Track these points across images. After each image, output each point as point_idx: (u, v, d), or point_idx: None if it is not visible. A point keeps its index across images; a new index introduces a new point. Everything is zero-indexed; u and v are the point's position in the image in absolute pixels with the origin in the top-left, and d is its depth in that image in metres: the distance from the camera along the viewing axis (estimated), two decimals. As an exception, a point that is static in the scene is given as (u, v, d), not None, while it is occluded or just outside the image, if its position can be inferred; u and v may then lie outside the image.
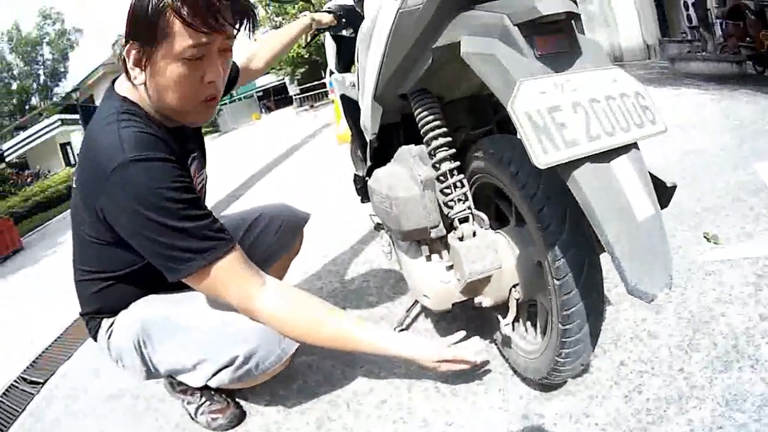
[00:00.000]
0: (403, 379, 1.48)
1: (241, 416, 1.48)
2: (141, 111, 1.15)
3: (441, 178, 1.29)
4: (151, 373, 1.34)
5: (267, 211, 1.78)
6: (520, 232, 1.26)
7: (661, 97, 5.43)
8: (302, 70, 22.23)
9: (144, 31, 1.03)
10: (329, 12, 1.96)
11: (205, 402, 1.47)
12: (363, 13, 1.68)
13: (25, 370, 2.33)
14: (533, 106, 0.82)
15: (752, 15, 7.51)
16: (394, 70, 1.26)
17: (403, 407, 1.37)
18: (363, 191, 1.94)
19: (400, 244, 1.54)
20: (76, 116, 20.96)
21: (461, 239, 1.27)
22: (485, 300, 1.29)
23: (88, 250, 1.23)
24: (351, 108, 1.86)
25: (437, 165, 1.29)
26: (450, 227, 1.32)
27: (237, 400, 1.53)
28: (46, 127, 24.16)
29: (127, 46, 1.08)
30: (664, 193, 1.03)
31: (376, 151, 1.60)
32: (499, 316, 1.37)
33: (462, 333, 1.29)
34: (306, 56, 19.76)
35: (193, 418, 1.49)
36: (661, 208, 0.98)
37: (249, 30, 1.12)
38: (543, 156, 0.80)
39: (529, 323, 1.38)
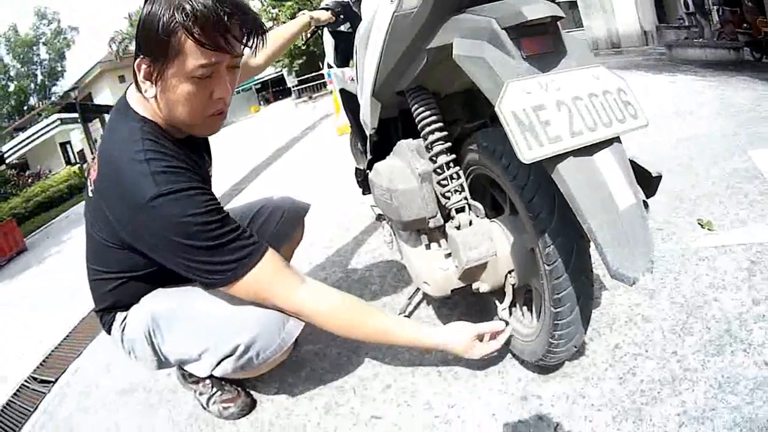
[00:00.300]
0: (407, 364, 1.53)
1: (251, 404, 1.52)
2: (157, 129, 1.18)
3: (438, 170, 1.34)
4: (161, 363, 1.37)
5: (269, 203, 1.82)
6: (514, 221, 1.30)
7: (658, 83, 5.41)
8: (300, 61, 22.23)
9: (155, 48, 1.05)
10: (327, 9, 1.99)
11: (216, 392, 1.51)
12: (360, 12, 1.72)
13: (35, 370, 2.34)
14: (519, 106, 0.87)
15: (749, 1, 7.48)
16: (391, 69, 1.31)
17: (407, 391, 1.42)
18: (364, 184, 2.00)
19: (401, 234, 1.59)
20: (75, 115, 20.83)
21: (458, 228, 1.32)
22: (482, 286, 1.34)
23: (103, 252, 1.26)
24: (350, 102, 1.90)
25: (434, 158, 1.34)
26: (447, 217, 1.37)
27: (247, 389, 1.57)
28: (45, 127, 24.10)
29: (138, 59, 1.10)
30: (650, 182, 1.08)
31: (375, 145, 1.65)
32: (497, 301, 1.43)
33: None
34: (303, 47, 19.69)
35: (205, 408, 1.53)
36: (648, 197, 1.03)
37: (258, 47, 1.15)
38: (528, 152, 0.85)
39: (525, 308, 1.42)
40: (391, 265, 2.25)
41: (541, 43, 0.94)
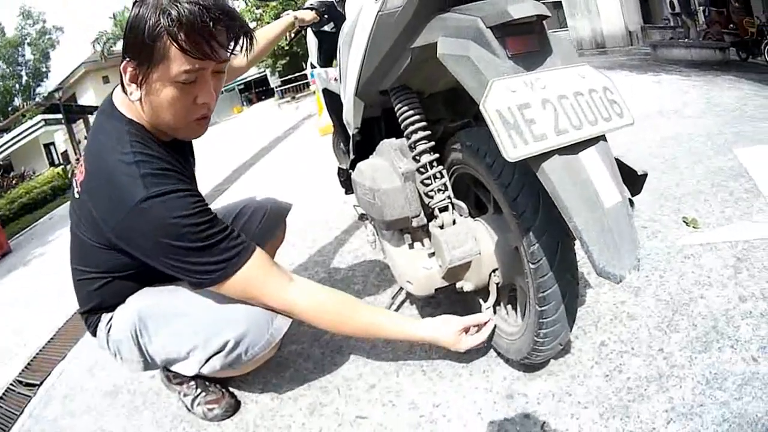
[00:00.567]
0: (391, 364, 1.52)
1: (236, 405, 1.51)
2: (144, 131, 1.19)
3: (421, 169, 1.33)
4: (147, 364, 1.35)
5: (251, 203, 1.83)
6: (498, 220, 1.30)
7: (642, 83, 5.45)
8: (283, 62, 22.21)
9: (140, 52, 1.06)
10: (311, 9, 1.98)
11: (200, 393, 1.49)
12: (344, 11, 1.71)
13: (20, 373, 2.32)
14: (504, 104, 0.87)
15: (736, 2, 7.59)
16: (374, 69, 1.30)
17: (391, 390, 1.41)
18: (347, 183, 2.00)
19: (384, 234, 1.59)
20: (59, 116, 20.70)
21: (442, 227, 1.32)
22: (466, 285, 1.33)
23: (88, 252, 1.25)
24: (333, 102, 1.90)
25: (417, 157, 1.33)
26: (431, 216, 1.37)
27: (231, 390, 1.56)
28: (29, 128, 23.80)
29: (124, 62, 1.10)
30: (635, 181, 1.08)
31: (358, 145, 1.65)
32: (481, 300, 1.42)
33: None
34: (287, 48, 19.64)
35: (189, 410, 1.51)
36: (634, 195, 1.03)
37: (245, 51, 1.15)
38: (513, 150, 0.85)
39: (509, 306, 1.42)
40: (373, 265, 2.25)
41: (527, 42, 0.94)
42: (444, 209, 1.33)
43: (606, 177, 0.90)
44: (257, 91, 33.91)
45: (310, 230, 2.93)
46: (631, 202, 1.00)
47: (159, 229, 1.08)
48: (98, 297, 1.33)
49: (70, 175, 13.42)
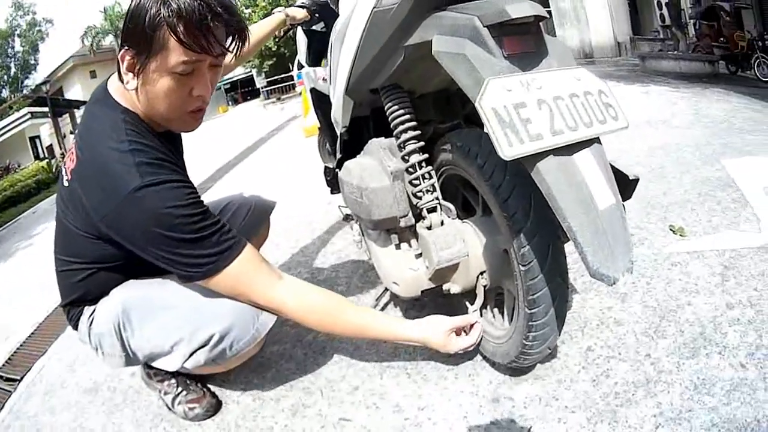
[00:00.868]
0: (375, 365, 1.51)
1: (217, 405, 1.48)
2: (138, 120, 1.19)
3: (410, 169, 1.32)
4: (129, 359, 1.33)
5: (235, 200, 1.82)
6: (486, 222, 1.29)
7: (631, 94, 5.48)
8: (270, 62, 22.25)
9: (139, 41, 1.06)
10: (303, 7, 1.96)
11: (181, 392, 1.47)
12: (337, 10, 1.70)
13: (1, 368, 2.28)
14: (500, 103, 0.86)
15: (727, 16, 7.70)
16: (366, 66, 1.29)
17: (375, 393, 1.40)
18: (333, 183, 1.98)
19: (370, 234, 1.58)
20: (46, 109, 20.55)
21: (429, 228, 1.31)
22: (453, 287, 1.32)
23: (74, 241, 1.23)
24: (321, 102, 1.89)
25: (406, 157, 1.32)
26: (419, 217, 1.35)
27: (212, 389, 1.54)
28: (15, 120, 23.66)
29: (123, 51, 1.10)
30: (627, 186, 1.08)
31: (346, 144, 1.63)
32: (467, 303, 1.42)
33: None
34: (274, 49, 19.86)
35: (170, 409, 1.49)
36: (624, 200, 1.03)
37: (239, 48, 1.16)
38: (508, 149, 0.83)
39: (496, 309, 1.41)
40: (357, 266, 2.24)
41: (523, 43, 0.93)
42: (432, 210, 1.32)
43: (600, 179, 0.89)
44: (243, 91, 34.07)
45: (294, 230, 2.92)
46: (623, 207, 0.99)
47: (151, 218, 1.07)
48: (81, 289, 1.30)
49: (55, 169, 13.30)
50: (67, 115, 22.74)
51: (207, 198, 1.24)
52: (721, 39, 7.57)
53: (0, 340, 2.64)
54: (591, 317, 1.50)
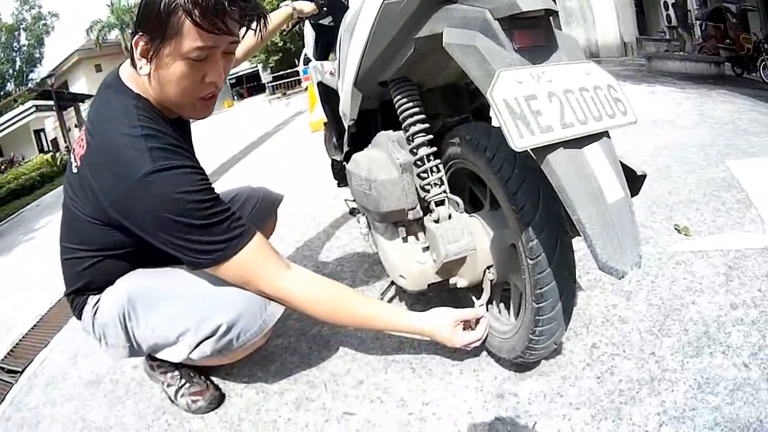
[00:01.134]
0: (380, 360, 1.50)
1: (220, 398, 1.48)
2: (151, 106, 1.19)
3: (418, 162, 1.32)
4: (133, 350, 1.32)
5: (243, 191, 1.82)
6: (494, 216, 1.29)
7: (637, 93, 5.47)
8: (276, 58, 22.16)
9: (154, 26, 1.06)
10: (311, 0, 1.96)
11: (184, 384, 1.47)
12: (347, 2, 1.70)
13: (3, 359, 2.27)
14: (511, 94, 0.86)
15: (733, 18, 7.69)
16: (375, 58, 1.29)
17: (380, 387, 1.39)
18: (340, 175, 2.00)
19: (377, 227, 1.58)
20: (51, 102, 20.57)
21: (437, 221, 1.31)
22: (460, 281, 1.33)
23: (81, 228, 1.23)
24: (328, 95, 1.89)
25: (415, 150, 1.32)
26: (426, 210, 1.36)
27: (216, 382, 1.53)
28: (20, 113, 23.66)
29: (137, 36, 1.10)
30: (634, 181, 1.08)
31: (353, 137, 1.63)
32: (474, 297, 1.43)
33: None
34: (280, 44, 19.89)
35: (173, 401, 1.48)
36: (632, 195, 1.03)
37: (259, 31, 1.17)
38: (519, 140, 0.84)
39: (502, 304, 1.41)
40: (362, 260, 2.24)
41: (533, 37, 0.93)
42: (440, 203, 1.32)
43: (609, 173, 0.89)
44: (249, 86, 34.13)
45: (299, 224, 2.92)
46: None
47: (163, 203, 1.07)
48: (87, 277, 1.30)
49: (59, 162, 13.30)
50: (72, 108, 22.78)
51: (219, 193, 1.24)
52: (727, 41, 7.56)
53: (2, 332, 2.64)
54: (596, 314, 1.49)
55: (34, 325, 2.57)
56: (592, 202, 0.85)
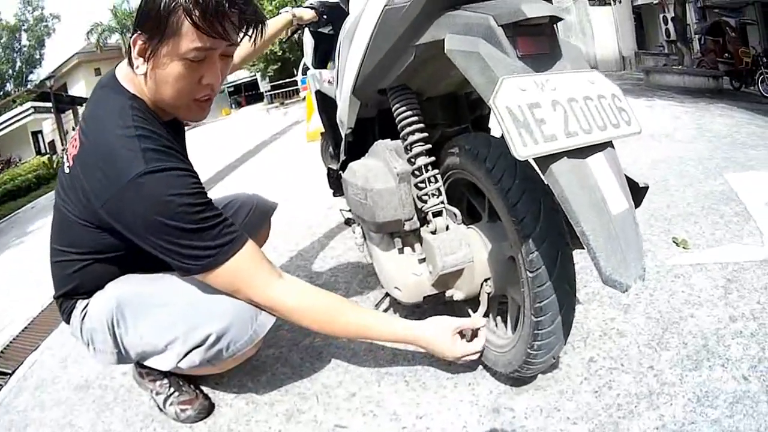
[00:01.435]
0: (372, 372, 1.48)
1: (209, 408, 1.45)
2: (146, 107, 1.18)
3: (416, 172, 1.30)
4: (121, 357, 1.30)
5: (237, 198, 1.80)
6: (492, 228, 1.28)
7: (636, 107, 5.44)
8: (275, 67, 22.20)
9: (153, 26, 1.06)
10: (311, 8, 1.95)
11: (173, 392, 1.44)
12: (347, 8, 1.68)
13: (-7, 361, 2.26)
14: (514, 102, 0.84)
15: (732, 32, 7.77)
16: (375, 65, 1.27)
17: (372, 400, 1.37)
18: (336, 185, 1.95)
19: (373, 237, 1.55)
20: (49, 104, 20.63)
21: (434, 233, 1.29)
22: (457, 293, 1.31)
23: (71, 231, 1.21)
24: (326, 104, 1.88)
25: (413, 159, 1.30)
26: (423, 221, 1.33)
27: (205, 391, 1.51)
28: (18, 114, 23.73)
29: (135, 35, 1.10)
30: (636, 193, 1.06)
31: (350, 146, 1.61)
32: (470, 310, 1.41)
33: None
34: (279, 53, 20.02)
35: (161, 410, 1.46)
36: (635, 207, 1.01)
37: (255, 38, 1.16)
38: (523, 149, 0.82)
39: (499, 318, 1.39)
40: (357, 271, 2.22)
41: (537, 44, 0.92)
42: (437, 214, 1.30)
43: (614, 183, 0.87)
44: (247, 94, 34.23)
45: (293, 233, 2.90)
46: None
47: (153, 205, 1.05)
48: (76, 280, 1.28)
49: (56, 165, 13.26)
50: (70, 111, 22.75)
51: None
52: (726, 54, 7.63)
53: (-8, 335, 2.61)
54: (594, 328, 1.48)
55: (26, 327, 2.56)
56: (595, 213, 0.84)
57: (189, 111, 1.21)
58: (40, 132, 25.80)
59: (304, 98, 8.45)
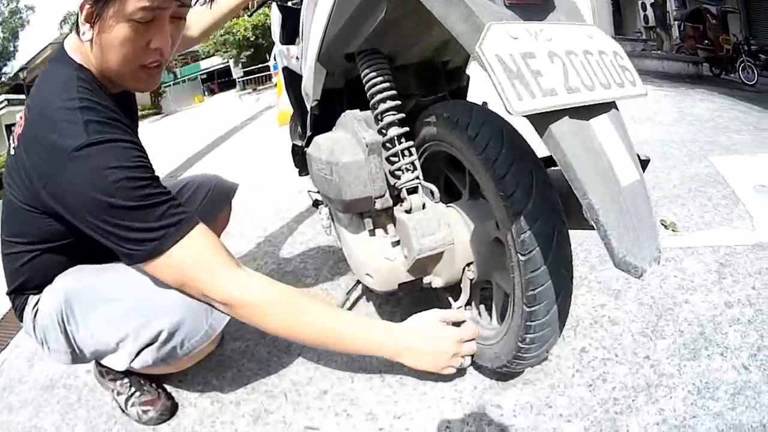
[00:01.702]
0: (345, 367, 1.40)
1: (172, 408, 1.37)
2: (92, 78, 1.11)
3: (388, 144, 1.18)
4: (76, 356, 1.21)
5: (194, 180, 1.71)
6: (474, 206, 1.17)
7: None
8: (247, 53, 22.34)
9: None
10: None
11: (134, 392, 1.36)
12: None
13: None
14: (505, 50, 0.71)
15: (713, 19, 7.87)
16: (342, 25, 1.14)
17: (346, 398, 1.29)
18: (301, 162, 1.84)
19: (341, 218, 1.45)
20: (23, 96, 20.43)
21: (409, 212, 1.18)
22: (435, 280, 1.20)
23: (18, 217, 1.13)
24: (294, 81, 1.77)
25: (384, 130, 1.18)
26: (396, 199, 1.22)
27: (168, 390, 1.43)
28: (-9, 107, 23.39)
29: (83, 1, 1.02)
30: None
31: (317, 120, 1.48)
32: (451, 299, 1.31)
33: None
34: (252, 39, 20.25)
35: (123, 411, 1.39)
36: None
37: (207, 2, 1.12)
38: (518, 103, 0.69)
39: (482, 306, 1.29)
40: (327, 257, 2.15)
41: None
42: (412, 191, 1.18)
43: (621, 150, 0.76)
44: (219, 81, 34.53)
45: (261, 218, 2.82)
46: None
47: (92, 180, 0.96)
48: (25, 273, 1.19)
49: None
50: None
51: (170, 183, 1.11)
52: (706, 41, 7.74)
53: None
54: (583, 315, 1.41)
55: (-6, 325, 2.49)
56: (603, 183, 0.72)
57: (136, 79, 1.12)
58: (14, 125, 25.48)
59: (276, 84, 8.41)
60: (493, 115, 0.99)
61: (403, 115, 1.18)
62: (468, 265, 1.17)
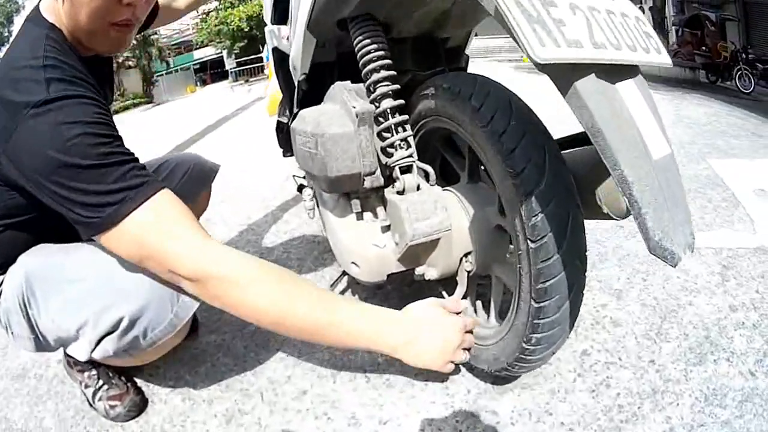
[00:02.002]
0: (327, 365, 1.33)
1: (141, 404, 1.29)
2: (63, 39, 1.05)
3: (380, 118, 1.08)
4: (39, 344, 1.12)
5: (172, 159, 1.63)
6: (474, 190, 1.08)
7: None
8: (241, 44, 22.51)
9: None
10: None
11: (102, 386, 1.28)
12: None
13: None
14: None
15: (712, 26, 7.94)
16: None
17: (327, 400, 1.21)
18: (286, 141, 1.72)
19: (326, 199, 1.35)
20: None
21: (401, 193, 1.08)
22: (429, 271, 1.12)
23: None
24: (283, 62, 1.68)
25: (376, 102, 1.08)
26: (388, 180, 1.12)
27: (138, 384, 1.36)
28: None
29: None
30: None
31: (305, 95, 1.38)
32: (445, 293, 1.25)
33: None
34: (246, 30, 20.51)
35: (91, 405, 1.30)
36: None
37: None
38: (541, 49, 0.58)
39: (479, 302, 1.21)
40: (312, 247, 2.10)
41: None
42: (406, 170, 1.08)
43: (650, 120, 0.66)
44: (212, 72, 34.76)
45: (246, 205, 2.78)
46: None
47: (48, 139, 0.88)
48: None
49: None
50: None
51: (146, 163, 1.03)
52: (704, 48, 7.84)
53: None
54: (584, 315, 1.36)
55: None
56: (635, 153, 0.62)
57: (106, 39, 1.06)
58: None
59: (268, 76, 8.39)
60: (499, 86, 0.90)
61: (397, 86, 1.09)
62: (466, 255, 1.09)
